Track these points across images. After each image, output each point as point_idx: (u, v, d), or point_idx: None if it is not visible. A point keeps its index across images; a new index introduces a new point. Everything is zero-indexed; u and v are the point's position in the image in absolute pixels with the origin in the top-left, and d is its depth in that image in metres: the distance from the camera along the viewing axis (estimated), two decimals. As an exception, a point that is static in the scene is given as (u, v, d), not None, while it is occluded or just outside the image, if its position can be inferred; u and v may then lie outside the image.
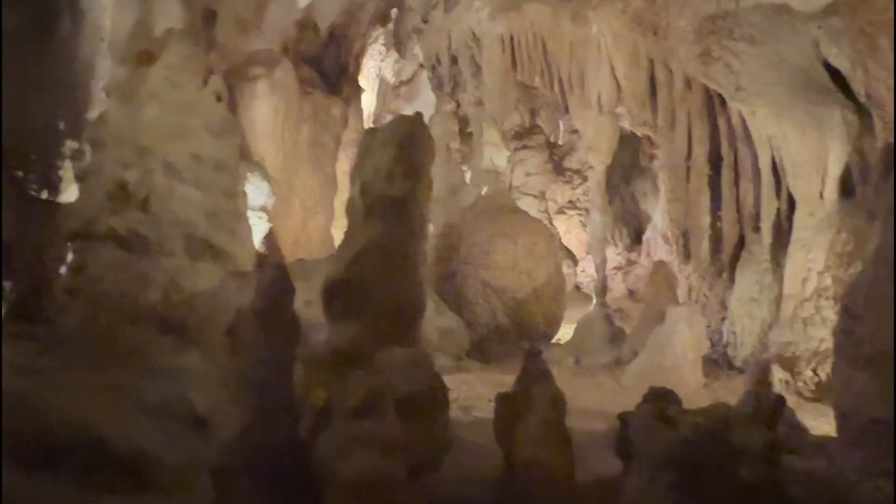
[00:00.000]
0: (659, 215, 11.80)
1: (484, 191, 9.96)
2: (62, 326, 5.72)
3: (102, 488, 4.17)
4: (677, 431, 2.89)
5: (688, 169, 8.68)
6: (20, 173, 6.29)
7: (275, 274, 3.72)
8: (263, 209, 8.09)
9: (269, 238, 8.64)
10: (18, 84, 6.22)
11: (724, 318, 8.45)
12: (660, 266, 8.90)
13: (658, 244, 12.01)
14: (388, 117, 16.62)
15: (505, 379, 7.29)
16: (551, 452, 3.66)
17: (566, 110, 10.74)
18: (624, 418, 3.76)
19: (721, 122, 8.38)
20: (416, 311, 3.85)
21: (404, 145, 3.64)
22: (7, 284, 5.98)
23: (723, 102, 8.21)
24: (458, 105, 10.60)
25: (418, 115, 3.86)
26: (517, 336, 8.90)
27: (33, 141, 6.35)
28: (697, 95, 8.37)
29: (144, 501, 4.08)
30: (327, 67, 11.81)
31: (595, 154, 9.06)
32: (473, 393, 6.73)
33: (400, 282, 3.73)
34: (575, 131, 13.13)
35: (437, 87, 10.66)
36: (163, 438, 4.50)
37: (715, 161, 8.56)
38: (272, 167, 9.29)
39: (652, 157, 11.75)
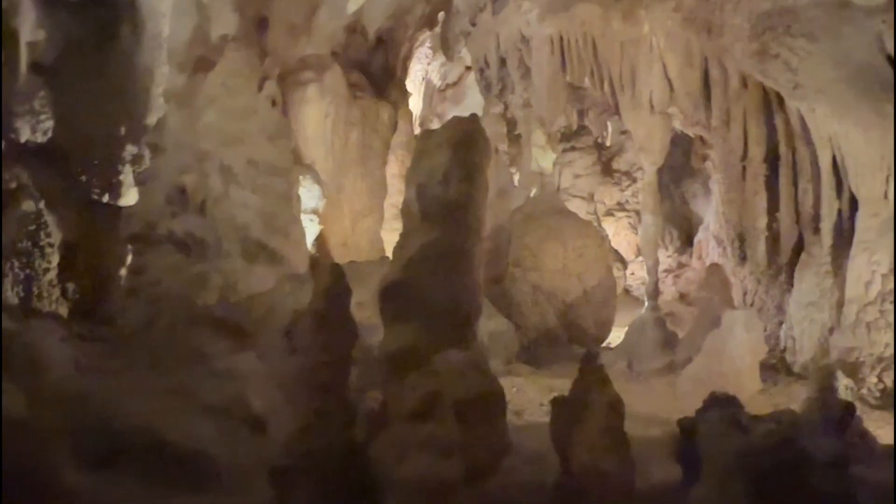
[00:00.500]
0: (712, 217, 11.55)
1: (532, 193, 9.90)
2: (123, 327, 5.87)
3: (164, 487, 4.26)
4: (749, 438, 2.80)
5: (743, 169, 8.46)
6: (83, 178, 6.49)
7: (332, 276, 3.74)
8: (315, 212, 8.18)
9: (320, 241, 8.73)
10: (82, 92, 6.41)
11: (781, 323, 8.21)
12: (714, 269, 8.69)
13: (710, 246, 11.74)
14: (435, 120, 16.71)
15: (556, 383, 7.22)
16: (610, 459, 3.60)
17: (616, 111, 10.60)
18: (685, 424, 3.68)
19: (779, 121, 8.15)
20: (473, 314, 3.83)
21: (460, 147, 3.63)
22: (70, 286, 6.16)
23: (780, 101, 7.99)
24: (506, 107, 10.55)
25: (474, 116, 3.85)
26: (567, 340, 8.81)
27: (96, 147, 6.54)
28: (754, 94, 8.16)
29: (204, 501, 4.15)
30: (375, 71, 11.89)
31: (646, 155, 8.90)
32: (525, 397, 6.69)
33: (456, 284, 3.71)
34: (624, 132, 12.97)
35: (485, 89, 10.62)
36: (221, 439, 4.57)
37: (772, 161, 8.33)
38: (321, 170, 9.39)
39: (704, 158, 11.50)
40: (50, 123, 6.33)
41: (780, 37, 7.17)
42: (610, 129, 13.61)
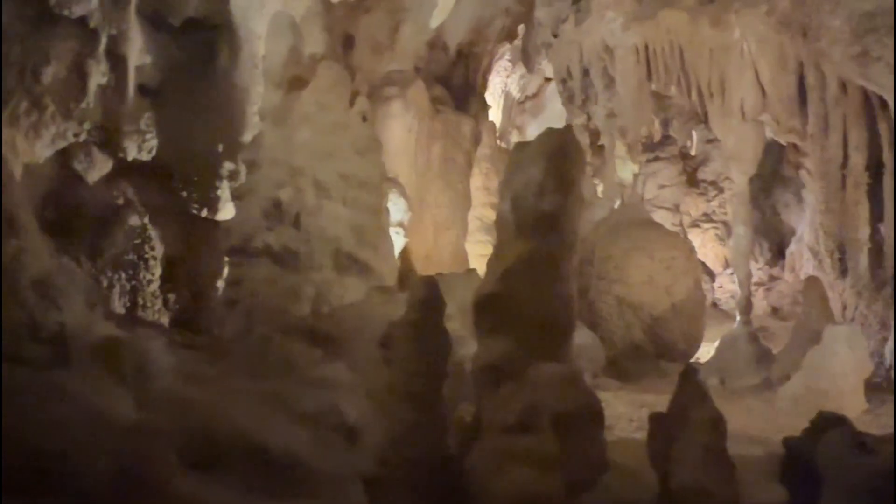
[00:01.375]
0: (806, 228, 11.09)
1: (617, 204, 9.75)
2: (220, 337, 6.09)
3: (261, 492, 4.36)
4: (877, 460, 2.65)
5: (843, 178, 8.08)
6: (184, 193, 6.81)
7: (427, 288, 3.78)
8: (400, 225, 8.30)
9: (405, 253, 8.84)
10: (183, 112, 6.75)
11: (885, 339, 7.77)
12: (811, 282, 8.31)
13: (805, 258, 11.29)
14: (514, 132, 16.70)
15: (645, 398, 7.06)
16: (713, 478, 3.47)
17: (702, 120, 10.33)
18: (793, 444, 3.52)
19: (882, 127, 7.75)
20: (568, 327, 3.79)
21: (554, 158, 3.61)
22: (171, 296, 6.45)
23: (883, 105, 7.60)
24: (589, 118, 10.45)
25: (568, 127, 3.83)
26: (654, 354, 8.60)
27: (195, 163, 6.86)
28: (854, 99, 7.79)
29: (302, 505, 4.22)
30: (455, 85, 12.01)
31: (737, 164, 8.63)
32: (613, 412, 6.55)
33: (551, 296, 3.68)
34: (710, 141, 12.64)
35: (568, 100, 10.55)
36: (316, 447, 4.65)
37: (875, 169, 7.92)
38: (405, 184, 9.53)
39: (797, 167, 11.05)
40: (154, 142, 6.69)
41: (883, 38, 6.84)
42: (695, 138, 13.27)
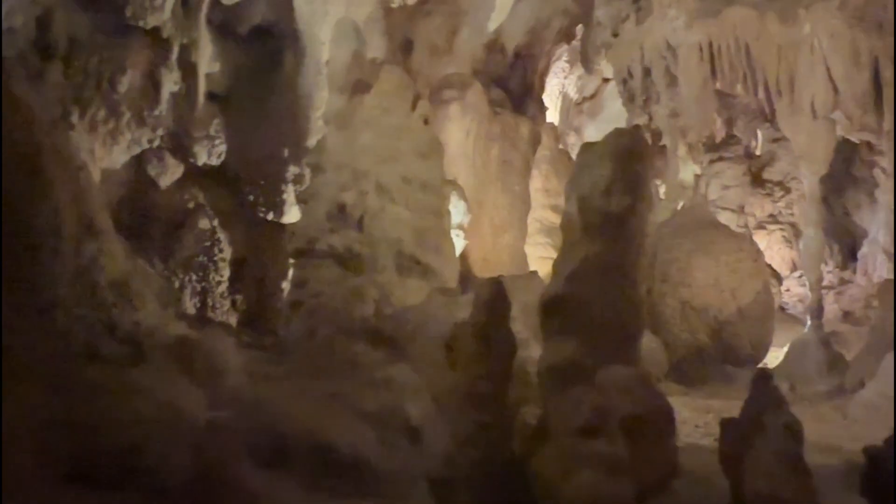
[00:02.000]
0: (880, 229, 10.66)
1: (680, 205, 9.56)
2: (285, 337, 6.21)
3: (326, 490, 4.43)
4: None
5: (920, 177, 7.75)
6: (251, 197, 6.99)
7: (493, 289, 3.78)
8: (460, 227, 8.31)
9: (463, 255, 8.85)
10: (250, 118, 6.93)
11: (966, 345, 7.40)
12: (888, 285, 7.97)
13: (878, 261, 10.85)
14: (571, 134, 16.55)
15: (711, 404, 6.89)
16: (790, 487, 3.36)
17: (768, 118, 10.06)
18: (875, 453, 3.38)
19: (962, 124, 7.41)
20: (636, 329, 3.74)
21: (623, 159, 3.57)
22: (239, 298, 6.62)
23: (964, 101, 7.27)
24: (651, 118, 10.27)
25: (637, 127, 3.78)
26: (720, 359, 8.39)
27: (261, 168, 7.03)
28: (932, 94, 7.47)
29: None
30: (513, 87, 11.98)
31: (808, 163, 8.36)
32: (678, 417, 6.40)
33: (619, 298, 3.63)
34: (776, 140, 12.26)
35: (629, 100, 10.40)
36: (381, 447, 4.70)
37: (955, 167, 7.58)
38: (463, 186, 9.55)
39: (871, 165, 10.65)
40: (223, 147, 6.89)
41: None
42: (760, 137, 12.90)
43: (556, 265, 3.85)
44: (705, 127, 10.33)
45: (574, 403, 3.42)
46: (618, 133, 3.72)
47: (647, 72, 9.89)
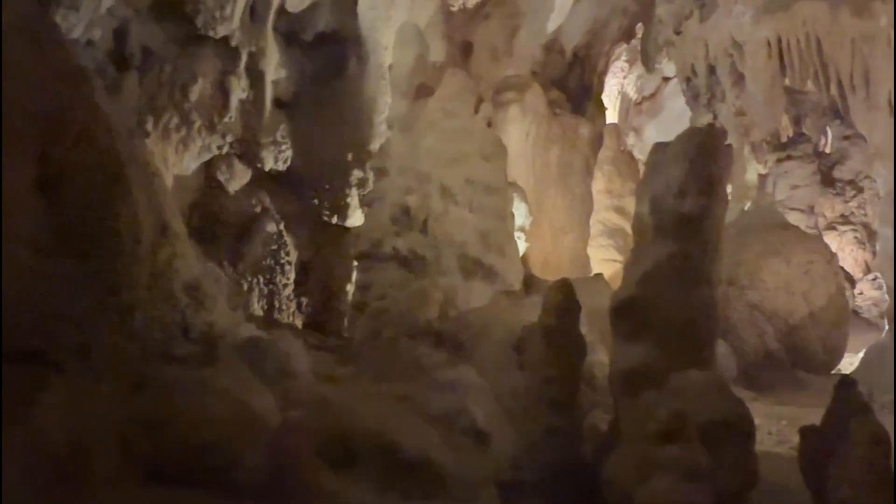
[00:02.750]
0: (961, 229, 10.16)
1: (747, 206, 9.31)
2: (350, 339, 6.28)
3: (395, 492, 4.44)
4: None
5: None
6: (316, 201, 7.11)
7: (563, 292, 3.74)
8: (521, 229, 8.27)
9: (524, 258, 8.81)
10: (315, 123, 7.05)
11: None
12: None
13: (960, 263, 10.33)
14: (631, 134, 16.32)
15: (782, 411, 6.68)
16: (876, 497, 3.23)
17: (839, 115, 9.72)
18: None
19: None
20: (711, 333, 3.65)
21: (698, 158, 3.49)
22: (304, 300, 6.73)
23: None
24: (715, 117, 10.04)
25: (712, 125, 3.70)
26: (791, 364, 8.13)
27: (326, 172, 7.15)
28: None
29: (435, 506, 4.27)
30: (572, 88, 11.88)
31: (885, 161, 8.03)
32: (750, 424, 6.24)
33: (693, 301, 3.55)
34: (846, 137, 11.83)
35: (692, 99, 10.19)
36: (447, 449, 4.69)
37: None
38: (523, 188, 9.50)
39: (952, 163, 10.14)
40: (289, 153, 7.03)
41: None
42: (830, 135, 12.47)
43: (628, 267, 3.79)
44: (772, 125, 10.04)
45: (648, 408, 3.36)
46: (692, 132, 3.64)
47: (711, 69, 9.68)
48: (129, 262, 4.34)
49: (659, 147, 3.76)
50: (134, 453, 3.87)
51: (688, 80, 10.19)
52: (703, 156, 3.51)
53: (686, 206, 3.48)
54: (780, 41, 8.55)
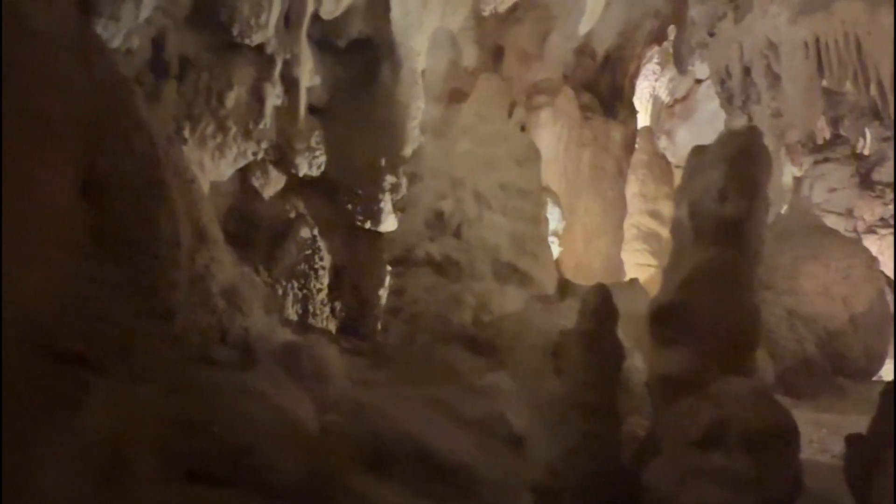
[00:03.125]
0: None
1: (783, 209, 9.16)
2: (383, 344, 6.29)
3: (430, 497, 4.44)
4: None
5: None
6: (349, 206, 7.15)
7: (601, 297, 3.71)
8: (555, 233, 8.24)
9: (556, 262, 8.76)
10: (348, 129, 7.11)
11: None
12: None
13: None
14: (662, 137, 16.16)
15: (822, 418, 6.53)
16: (925, 507, 3.14)
17: (878, 115, 9.52)
18: None
19: None
20: (752, 339, 3.58)
21: (738, 161, 3.43)
22: (338, 304, 6.77)
23: None
24: (750, 119, 9.91)
25: (752, 127, 3.63)
26: (830, 370, 7.96)
27: (359, 178, 7.19)
28: None
29: (470, 513, 4.26)
30: (603, 91, 11.80)
31: (926, 163, 7.85)
32: (790, 431, 6.11)
33: (733, 307, 3.49)
34: (886, 139, 11.57)
35: (727, 101, 10.07)
36: (483, 454, 4.69)
37: None
38: (555, 192, 9.45)
39: None
40: (323, 158, 7.08)
41: None
42: (869, 136, 12.20)
43: (667, 272, 3.75)
44: (809, 126, 9.87)
45: (688, 415, 3.31)
46: (732, 135, 3.58)
47: (746, 71, 9.56)
48: (169, 267, 4.40)
49: (698, 150, 3.71)
50: (173, 455, 3.92)
51: (722, 82, 10.07)
52: (743, 158, 3.45)
53: (726, 209, 3.42)
54: (817, 41, 8.41)
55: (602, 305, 3.66)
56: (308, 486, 3.85)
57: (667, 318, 3.59)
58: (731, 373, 3.44)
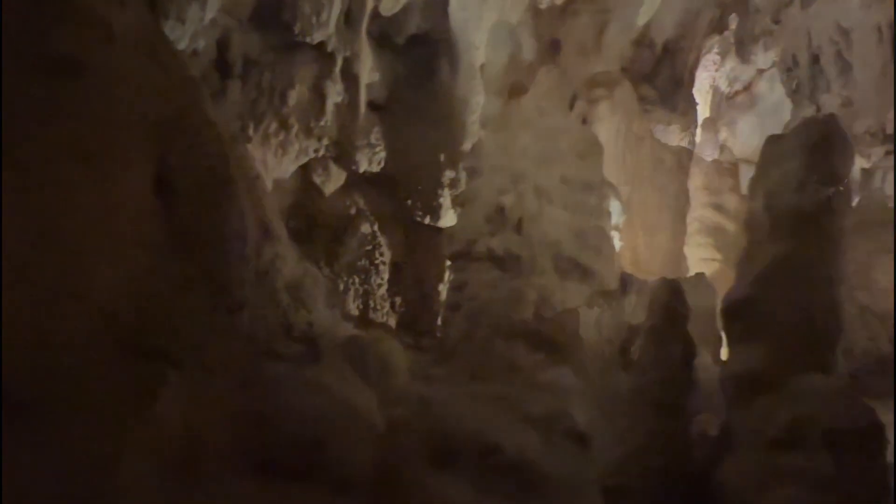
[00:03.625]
0: None
1: (855, 203, 8.80)
2: (443, 339, 6.29)
3: (496, 493, 4.42)
4: None
5: None
6: (409, 202, 7.18)
7: (671, 292, 3.63)
8: (615, 227, 8.09)
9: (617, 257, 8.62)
10: (407, 124, 7.12)
11: None
12: None
13: None
14: (723, 129, 15.74)
15: (899, 418, 6.28)
16: None
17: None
18: None
19: None
20: (832, 336, 3.45)
21: (817, 150, 3.31)
22: (398, 300, 6.80)
23: None
24: (819, 108, 9.55)
25: (832, 116, 3.49)
26: (906, 369, 7.62)
27: (419, 173, 7.20)
28: None
29: (537, 509, 4.22)
30: (662, 83, 11.57)
31: None
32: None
33: (813, 301, 3.37)
34: (963, 128, 11.04)
35: (794, 90, 9.73)
36: (548, 450, 4.65)
37: None
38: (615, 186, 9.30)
39: None
40: (383, 154, 7.12)
41: None
42: (946, 125, 11.65)
43: (741, 266, 3.64)
44: (880, 116, 9.46)
45: (766, 413, 3.22)
46: (810, 123, 3.45)
47: (814, 59, 9.21)
48: (237, 263, 4.49)
49: (774, 140, 3.59)
50: (244, 447, 4.00)
51: (788, 70, 9.74)
52: (823, 147, 3.32)
53: (804, 201, 3.30)
54: (892, 26, 8.03)
55: (672, 301, 3.58)
56: (376, 481, 3.87)
57: (741, 314, 3.49)
58: (809, 370, 3.33)
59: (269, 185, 6.08)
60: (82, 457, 2.68)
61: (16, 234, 2.83)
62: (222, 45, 6.23)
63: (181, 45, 5.69)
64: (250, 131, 6.25)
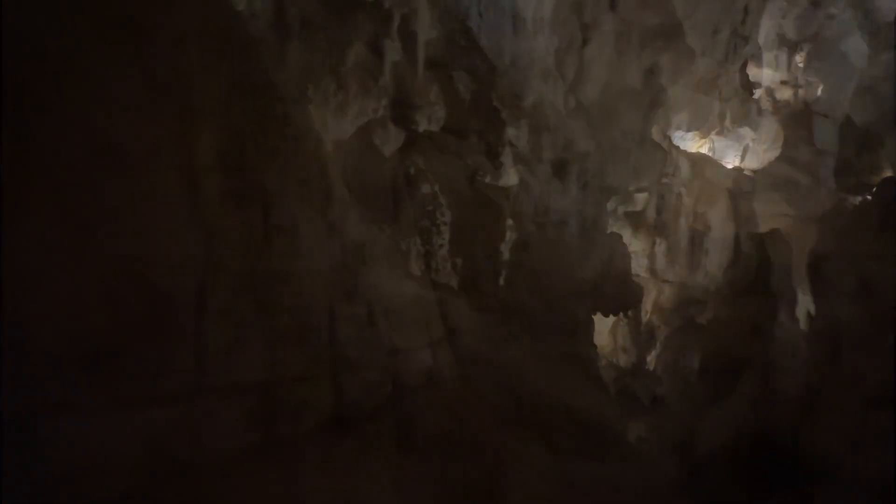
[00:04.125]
0: None
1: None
2: (505, 299, 6.23)
3: (572, 453, 4.39)
4: None
5: None
6: (469, 161, 7.07)
7: (751, 247, 3.47)
8: (681, 184, 7.84)
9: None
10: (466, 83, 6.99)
11: None
12: None
13: None
14: (795, 79, 15.05)
15: None
16: None
17: None
18: None
19: None
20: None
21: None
22: (459, 260, 6.73)
23: None
24: (898, 53, 9.01)
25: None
26: None
27: (479, 132, 7.08)
28: None
29: (610, 469, 4.20)
30: (723, 32, 11.08)
31: None
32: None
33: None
34: None
35: (871, 34, 9.18)
36: (619, 411, 4.60)
37: None
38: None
39: None
40: (442, 113, 7.00)
41: None
42: None
43: (824, 220, 3.46)
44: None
45: (855, 371, 3.08)
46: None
47: None
48: (305, 224, 4.50)
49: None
50: (317, 404, 4.04)
51: (866, 14, 9.18)
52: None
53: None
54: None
55: (753, 256, 3.43)
56: (448, 440, 3.89)
57: (826, 268, 3.32)
58: (904, 326, 3.15)
59: (329, 147, 6.04)
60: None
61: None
62: (279, 6, 6.16)
63: (239, 7, 5.65)
64: (310, 92, 6.21)
